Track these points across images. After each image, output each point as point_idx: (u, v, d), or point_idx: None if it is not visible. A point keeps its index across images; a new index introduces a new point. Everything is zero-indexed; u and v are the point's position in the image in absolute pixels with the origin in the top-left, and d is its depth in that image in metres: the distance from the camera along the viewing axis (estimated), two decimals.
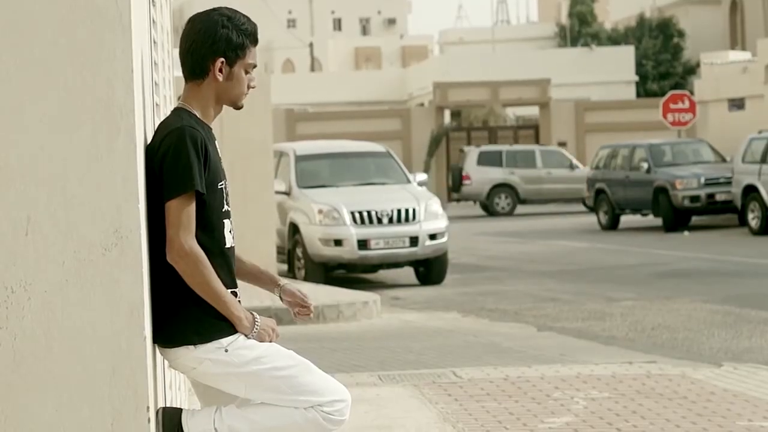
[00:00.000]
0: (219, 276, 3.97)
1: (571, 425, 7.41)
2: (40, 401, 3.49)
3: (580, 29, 63.98)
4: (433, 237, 17.56)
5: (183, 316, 3.93)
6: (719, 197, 26.34)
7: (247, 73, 4.09)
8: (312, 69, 68.75)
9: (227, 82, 4.03)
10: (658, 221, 27.44)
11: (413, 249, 17.50)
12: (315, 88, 57.26)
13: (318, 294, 14.95)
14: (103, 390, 3.51)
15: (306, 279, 17.56)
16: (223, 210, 4.04)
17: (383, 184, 18.81)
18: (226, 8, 4.10)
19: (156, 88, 4.50)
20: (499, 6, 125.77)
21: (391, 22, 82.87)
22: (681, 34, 57.01)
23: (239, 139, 17.48)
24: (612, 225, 28.46)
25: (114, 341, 3.52)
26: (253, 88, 4.13)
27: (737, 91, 37.95)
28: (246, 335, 4.01)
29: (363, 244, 17.38)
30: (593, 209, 29.75)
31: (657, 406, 7.92)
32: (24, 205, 3.47)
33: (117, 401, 3.52)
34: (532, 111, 48.23)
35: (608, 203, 28.68)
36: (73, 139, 3.49)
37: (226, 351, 3.97)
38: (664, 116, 35.31)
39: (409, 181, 18.83)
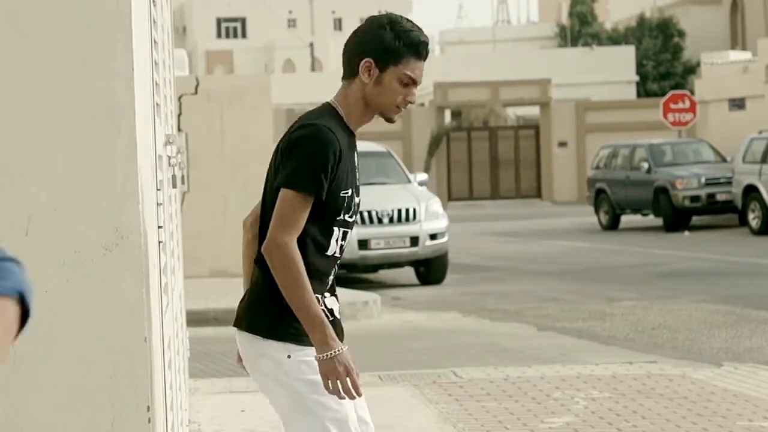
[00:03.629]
0: (314, 281, 3.78)
1: (572, 425, 7.41)
2: (40, 401, 3.49)
3: (580, 29, 63.96)
4: (433, 237, 17.56)
5: (269, 305, 3.80)
6: (720, 197, 26.35)
7: (404, 85, 3.85)
8: (312, 69, 68.74)
9: (375, 87, 3.83)
10: (659, 221, 27.44)
11: (414, 249, 17.50)
12: (315, 88, 57.14)
13: None
14: (103, 390, 3.51)
15: None
16: (339, 218, 3.84)
17: (383, 183, 18.81)
18: (398, 15, 3.95)
19: (156, 88, 4.49)
20: (500, 6, 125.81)
21: None
22: (681, 34, 56.99)
23: (239, 139, 17.49)
24: (612, 225, 28.46)
25: (114, 341, 3.52)
26: (410, 103, 3.89)
27: (738, 91, 37.95)
28: (316, 356, 3.74)
29: (363, 244, 17.39)
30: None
31: (657, 406, 7.92)
32: (24, 205, 3.47)
33: (117, 401, 3.52)
34: (533, 111, 48.22)
35: (608, 203, 28.68)
36: (73, 139, 3.49)
37: (289, 357, 3.82)
38: (665, 116, 35.31)
39: (409, 181, 18.83)
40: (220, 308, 13.90)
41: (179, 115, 15.56)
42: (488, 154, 45.39)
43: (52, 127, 3.48)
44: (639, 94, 53.40)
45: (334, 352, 3.72)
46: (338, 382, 3.70)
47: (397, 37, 3.84)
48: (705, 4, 59.64)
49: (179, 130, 14.78)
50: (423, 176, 19.62)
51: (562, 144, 45.04)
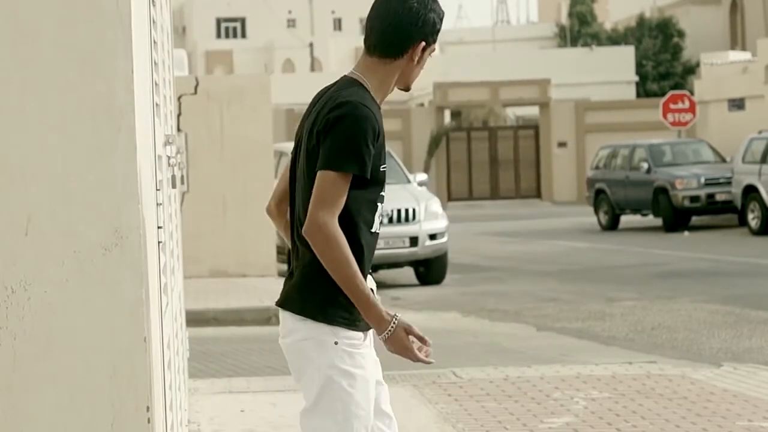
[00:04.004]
0: (366, 257, 3.80)
1: (571, 425, 7.41)
2: (40, 401, 3.49)
3: (580, 29, 63.95)
4: (433, 237, 17.56)
5: (322, 287, 3.76)
6: (719, 197, 26.36)
7: (420, 64, 3.96)
8: (312, 69, 68.72)
9: (415, 65, 3.89)
10: (658, 221, 27.45)
11: (413, 249, 17.51)
12: (315, 88, 56.40)
13: None
14: (103, 390, 3.51)
15: None
16: (381, 194, 3.85)
17: None
18: None
19: (156, 88, 4.49)
20: (499, 6, 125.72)
21: None
22: (681, 34, 56.99)
23: (239, 139, 17.49)
24: (612, 225, 28.46)
25: (114, 341, 3.51)
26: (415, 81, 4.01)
27: (737, 92, 37.96)
28: (379, 334, 3.74)
29: None
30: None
31: (657, 406, 7.93)
32: (24, 205, 3.47)
33: (117, 401, 3.52)
34: (533, 111, 48.22)
35: (608, 203, 28.69)
36: (73, 139, 3.49)
37: (336, 344, 3.78)
38: (664, 116, 35.31)
39: (409, 181, 18.83)
40: (219, 308, 13.90)
41: (179, 115, 15.56)
42: (488, 155, 45.38)
43: (52, 127, 3.48)
44: (638, 95, 53.39)
45: (393, 326, 3.74)
46: (410, 353, 3.74)
47: (439, 18, 3.90)
48: (705, 4, 59.64)
49: (179, 130, 14.79)
50: (422, 176, 19.62)
51: (562, 144, 45.03)
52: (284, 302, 3.91)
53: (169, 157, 4.96)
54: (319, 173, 3.71)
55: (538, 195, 45.32)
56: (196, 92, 17.19)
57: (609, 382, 8.75)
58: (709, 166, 27.62)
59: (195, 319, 12.66)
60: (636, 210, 28.18)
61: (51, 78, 3.47)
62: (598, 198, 29.09)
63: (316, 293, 3.79)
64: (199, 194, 16.81)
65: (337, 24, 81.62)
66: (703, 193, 26.44)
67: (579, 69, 53.15)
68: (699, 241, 23.56)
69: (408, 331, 3.75)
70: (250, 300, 14.47)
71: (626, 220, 29.18)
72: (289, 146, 20.50)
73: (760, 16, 55.64)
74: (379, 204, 3.86)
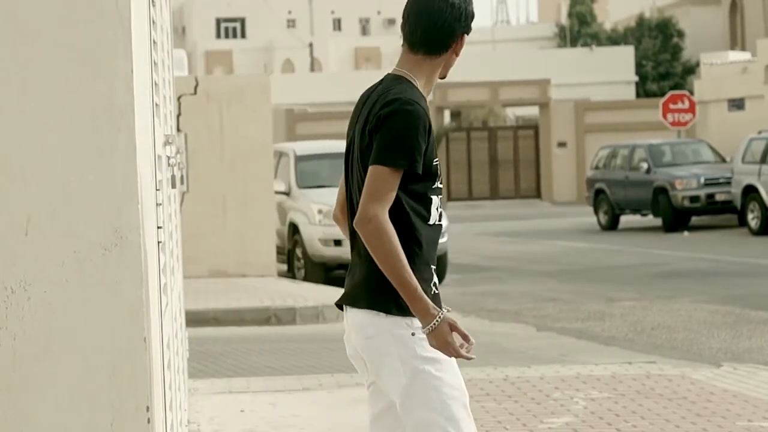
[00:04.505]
0: (425, 250, 3.86)
1: (571, 425, 7.42)
2: (40, 401, 3.49)
3: (579, 29, 63.95)
4: None
5: (389, 281, 3.79)
6: (719, 197, 26.37)
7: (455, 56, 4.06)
8: (312, 69, 68.73)
9: (454, 56, 4.00)
10: (658, 221, 27.45)
11: None
12: (315, 88, 57.25)
13: (318, 294, 14.95)
14: (103, 390, 3.51)
15: (306, 279, 17.57)
16: (434, 186, 3.91)
17: None
18: None
19: (155, 88, 4.49)
20: (499, 6, 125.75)
21: (391, 22, 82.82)
22: (681, 34, 57.00)
23: (239, 139, 17.49)
24: (612, 225, 28.46)
25: (114, 341, 3.52)
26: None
27: (737, 92, 37.95)
28: (423, 327, 3.75)
29: None
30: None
31: (657, 406, 7.93)
32: (24, 205, 3.47)
33: (117, 401, 3.52)
34: (532, 111, 48.22)
35: (608, 203, 28.69)
36: (73, 139, 3.49)
37: (413, 335, 3.80)
38: (664, 116, 35.31)
39: None
40: (219, 308, 13.90)
41: (178, 115, 15.56)
42: (487, 155, 45.39)
43: (52, 127, 3.48)
44: (638, 95, 53.40)
45: (437, 320, 3.73)
46: (452, 348, 3.74)
47: (472, 5, 3.99)
48: (704, 4, 59.65)
49: (178, 130, 14.79)
50: None
51: (562, 144, 45.02)
52: (354, 300, 3.94)
53: (168, 157, 4.96)
54: (370, 168, 3.79)
55: (537, 195, 45.32)
56: (195, 92, 17.19)
57: (609, 382, 8.75)
58: (709, 166, 27.63)
59: (195, 319, 12.66)
60: (636, 210, 28.19)
61: (51, 78, 3.47)
62: (597, 198, 29.09)
63: (385, 287, 3.82)
64: (199, 194, 16.80)
65: (337, 24, 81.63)
66: (702, 193, 26.44)
67: (579, 69, 53.17)
68: (699, 241, 23.56)
69: (452, 327, 3.75)
70: (250, 300, 14.47)
71: (626, 220, 29.19)
72: (290, 146, 20.52)
73: (759, 16, 55.65)
74: (434, 197, 3.91)
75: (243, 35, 79.15)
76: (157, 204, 4.07)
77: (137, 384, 3.53)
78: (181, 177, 9.15)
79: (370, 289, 3.88)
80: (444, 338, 3.74)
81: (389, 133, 3.78)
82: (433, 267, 3.94)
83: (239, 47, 74.86)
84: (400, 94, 3.83)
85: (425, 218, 3.88)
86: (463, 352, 3.76)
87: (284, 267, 18.84)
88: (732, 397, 8.24)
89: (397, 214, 3.80)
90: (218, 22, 79.40)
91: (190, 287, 14.46)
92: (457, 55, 3.98)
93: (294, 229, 18.22)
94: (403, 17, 4.02)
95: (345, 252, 17.49)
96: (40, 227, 3.47)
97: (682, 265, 18.82)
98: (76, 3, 3.47)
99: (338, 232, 17.59)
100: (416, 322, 3.81)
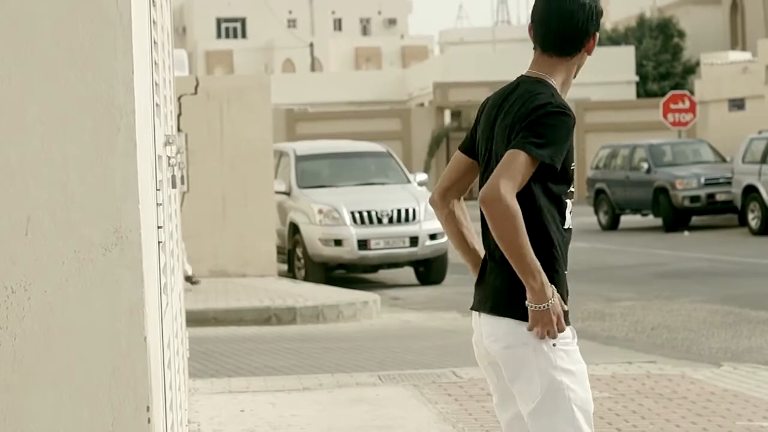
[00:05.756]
0: (559, 251, 3.87)
1: None
2: (40, 401, 3.49)
3: None
4: (433, 237, 17.56)
5: None
6: (719, 197, 26.36)
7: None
8: (312, 69, 68.75)
9: (587, 55, 4.07)
10: (658, 221, 27.45)
11: (413, 249, 17.51)
12: (315, 88, 57.26)
13: (318, 294, 14.95)
14: (103, 390, 3.51)
15: (306, 279, 17.57)
16: (570, 190, 3.92)
17: (383, 184, 18.82)
18: None
19: (156, 88, 4.49)
20: (500, 6, 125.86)
21: (392, 22, 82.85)
22: (681, 34, 56.98)
23: (239, 139, 17.49)
24: (612, 225, 28.46)
25: (114, 341, 3.52)
26: None
27: (737, 92, 37.96)
28: (529, 306, 3.77)
29: (363, 244, 17.39)
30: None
31: (657, 406, 7.93)
32: (24, 205, 3.47)
33: (117, 401, 3.52)
34: None
35: (608, 203, 28.68)
36: (73, 139, 3.49)
37: (554, 345, 3.82)
38: (665, 116, 35.30)
39: (409, 181, 18.84)
40: (219, 308, 13.90)
41: (179, 115, 15.56)
42: None
43: (52, 128, 3.48)
44: (639, 95, 53.38)
45: (549, 303, 3.75)
46: (547, 331, 3.76)
47: (599, 4, 4.06)
48: (705, 4, 59.64)
49: (179, 130, 14.79)
50: (423, 176, 19.62)
51: None
52: (493, 307, 3.91)
53: (169, 157, 4.96)
54: (508, 152, 3.78)
55: None
56: (196, 92, 17.19)
57: (609, 382, 8.75)
58: (709, 166, 27.62)
59: (195, 319, 12.67)
60: (636, 210, 28.18)
61: (51, 78, 3.47)
62: (598, 198, 29.08)
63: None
64: (199, 194, 16.81)
65: (337, 24, 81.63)
66: (703, 193, 26.44)
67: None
68: (699, 241, 23.56)
69: (558, 316, 3.78)
70: (250, 300, 14.48)
71: (626, 220, 29.18)
72: (290, 146, 20.51)
73: (760, 16, 55.65)
74: (567, 201, 3.92)
75: (243, 35, 79.16)
76: (157, 204, 4.07)
77: (137, 384, 3.53)
78: (182, 177, 9.16)
79: (512, 298, 3.85)
80: (546, 322, 3.76)
81: (541, 128, 3.79)
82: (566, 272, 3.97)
83: (239, 47, 74.88)
84: (551, 98, 3.87)
85: (558, 220, 3.89)
86: (550, 336, 3.77)
87: (284, 267, 18.84)
88: (732, 396, 8.24)
89: (530, 213, 3.81)
90: (219, 22, 79.41)
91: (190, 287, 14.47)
92: (589, 53, 4.04)
93: (294, 229, 18.22)
94: (533, 20, 4.05)
95: (345, 252, 17.51)
96: (40, 227, 3.47)
97: (682, 265, 18.82)
98: (76, 3, 3.47)
99: (338, 232, 17.67)
100: (571, 344, 3.87)
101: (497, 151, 3.91)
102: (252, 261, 17.42)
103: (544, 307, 3.75)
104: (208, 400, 8.55)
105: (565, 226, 3.91)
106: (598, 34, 4.05)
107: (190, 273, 15.17)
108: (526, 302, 3.77)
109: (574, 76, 4.07)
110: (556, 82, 3.97)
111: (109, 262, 3.50)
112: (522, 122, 3.83)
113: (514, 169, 3.75)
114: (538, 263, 3.74)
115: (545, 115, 3.81)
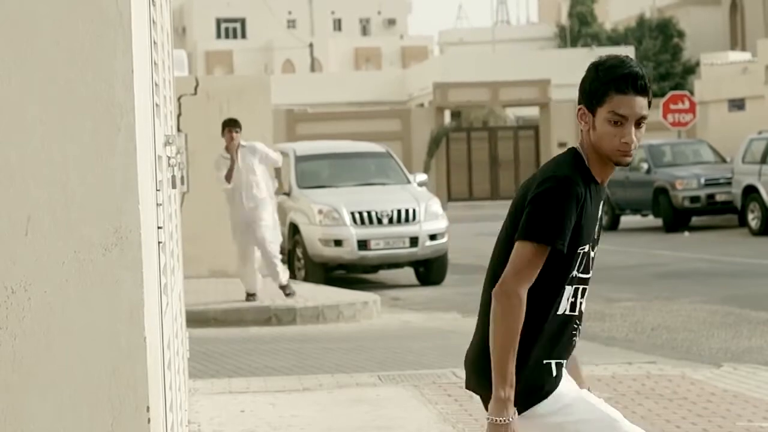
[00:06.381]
0: (544, 338, 3.67)
1: None
2: (40, 401, 3.49)
3: (580, 30, 63.95)
4: (433, 237, 17.56)
5: (523, 377, 3.66)
6: (719, 198, 26.37)
7: (614, 124, 3.68)
8: (312, 69, 68.76)
9: (594, 133, 3.70)
10: (658, 222, 27.45)
11: (413, 249, 17.50)
12: (315, 89, 57.27)
13: (318, 294, 14.95)
14: (103, 390, 3.51)
15: (306, 279, 17.56)
16: (571, 275, 3.71)
17: (383, 184, 18.82)
18: (612, 55, 3.86)
19: (155, 88, 4.49)
20: (499, 6, 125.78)
21: (391, 22, 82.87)
22: (681, 34, 57.01)
23: (240, 139, 17.46)
24: (612, 225, 28.47)
25: (114, 341, 3.52)
26: (629, 144, 3.68)
27: (737, 92, 37.96)
28: (488, 418, 3.61)
29: (363, 244, 17.39)
30: None
31: (657, 406, 7.93)
32: (24, 205, 3.47)
33: (117, 401, 3.52)
34: (532, 111, 48.23)
35: (608, 204, 28.69)
36: (73, 139, 3.49)
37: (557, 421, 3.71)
38: (664, 117, 35.30)
39: (409, 182, 18.84)
40: (219, 308, 13.90)
41: (179, 115, 15.56)
42: (488, 155, 45.38)
43: (52, 128, 3.48)
44: None
45: (508, 420, 3.59)
46: None
47: (598, 77, 3.74)
48: (704, 4, 59.66)
49: (179, 130, 14.78)
50: (422, 177, 19.62)
51: (562, 144, 44.97)
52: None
53: (169, 158, 4.96)
54: (517, 243, 3.66)
55: None
56: (196, 92, 17.19)
57: (609, 383, 8.75)
58: (709, 167, 27.63)
59: (195, 319, 12.66)
60: (636, 210, 28.19)
61: (51, 78, 3.47)
62: None
63: (532, 386, 3.69)
64: (199, 194, 16.80)
65: (337, 24, 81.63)
66: (703, 193, 26.44)
67: (579, 69, 52.70)
68: (699, 242, 23.56)
69: None
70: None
71: (626, 220, 29.19)
72: (290, 146, 20.52)
73: (760, 16, 55.65)
74: (569, 286, 3.72)
75: (243, 35, 79.16)
76: (157, 204, 4.07)
77: (137, 384, 3.53)
78: (182, 177, 9.15)
79: (521, 393, 3.66)
80: None
81: (537, 210, 3.64)
82: (555, 362, 3.72)
83: (239, 47, 74.89)
84: (555, 172, 3.69)
85: (551, 307, 3.70)
86: None
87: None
88: (732, 397, 8.24)
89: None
90: (218, 22, 79.42)
91: (191, 287, 14.46)
92: (592, 129, 3.75)
93: (294, 229, 18.22)
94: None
95: (345, 252, 17.50)
96: (40, 227, 3.47)
97: (682, 266, 18.82)
98: (76, 3, 3.47)
99: (338, 232, 17.68)
100: (553, 397, 3.69)
101: (506, 228, 3.87)
102: None
103: (501, 421, 3.59)
104: (209, 401, 8.55)
105: (558, 312, 3.71)
106: (589, 109, 3.73)
107: (285, 282, 14.34)
108: (487, 415, 3.64)
109: (618, 163, 3.75)
110: (586, 153, 3.77)
111: (109, 262, 3.50)
112: (527, 203, 3.71)
113: (522, 261, 3.64)
114: (512, 375, 3.60)
115: (538, 195, 3.65)
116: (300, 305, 13.83)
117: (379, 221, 17.51)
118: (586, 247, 3.73)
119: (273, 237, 14.14)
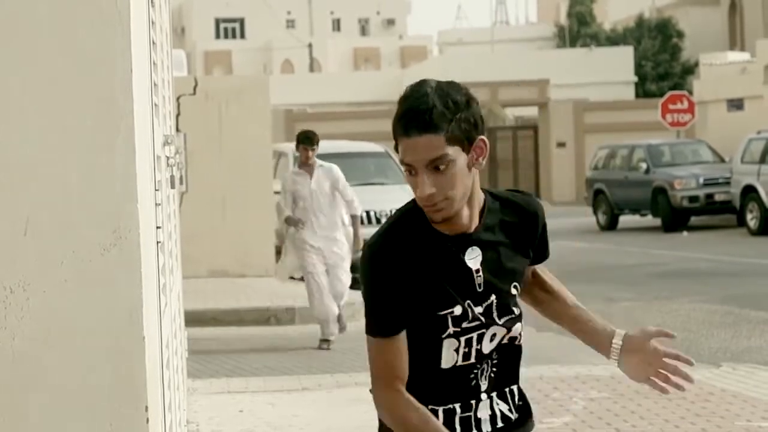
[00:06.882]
0: (433, 393, 3.13)
1: (570, 425, 7.42)
2: (40, 401, 3.49)
3: (579, 30, 63.94)
4: None
5: None
6: (718, 197, 26.38)
7: (410, 173, 2.97)
8: (311, 69, 68.75)
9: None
10: (657, 221, 27.45)
11: None
12: (314, 89, 57.25)
13: None
14: (101, 390, 3.51)
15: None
16: (446, 334, 3.08)
17: (382, 184, 18.82)
18: (412, 84, 3.07)
19: (154, 88, 4.49)
20: (498, 6, 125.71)
21: (390, 22, 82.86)
22: (680, 34, 57.01)
23: (238, 140, 17.48)
24: (611, 225, 28.47)
25: (112, 341, 3.52)
26: (422, 197, 2.97)
27: (736, 92, 37.95)
28: None
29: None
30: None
31: (656, 406, 7.93)
32: (24, 205, 3.47)
33: (117, 401, 3.52)
34: (531, 111, 48.23)
35: (607, 203, 28.69)
36: (72, 140, 3.49)
37: None
38: (663, 117, 35.31)
39: None
40: (218, 308, 13.90)
41: (178, 115, 15.56)
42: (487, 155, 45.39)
43: (50, 128, 3.48)
44: (637, 95, 53.41)
45: None
46: None
47: (396, 113, 3.01)
48: (704, 4, 59.66)
49: (178, 130, 14.79)
50: None
51: (561, 144, 45.02)
52: None
53: (167, 158, 4.97)
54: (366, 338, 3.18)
55: (537, 195, 45.27)
56: (194, 93, 17.19)
57: (608, 383, 8.75)
58: (708, 167, 27.64)
59: (194, 319, 12.66)
60: (635, 210, 28.19)
61: (51, 78, 3.47)
62: (597, 198, 29.09)
63: None
64: (198, 194, 16.80)
65: (336, 24, 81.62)
66: (701, 193, 26.45)
67: (578, 69, 53.16)
68: (698, 242, 23.56)
69: None
70: (250, 300, 14.47)
71: (625, 220, 29.19)
72: (289, 146, 20.51)
73: (759, 16, 55.65)
74: (446, 341, 3.09)
75: (242, 35, 79.16)
76: (156, 204, 4.08)
77: (136, 384, 3.53)
78: (180, 177, 9.15)
79: None
80: None
81: (365, 301, 3.14)
82: (443, 408, 3.15)
83: (238, 47, 74.88)
84: (378, 235, 3.12)
85: (433, 365, 3.12)
86: None
87: None
88: (731, 396, 8.24)
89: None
90: (217, 22, 79.41)
91: (190, 287, 14.44)
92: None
93: None
94: None
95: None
96: (39, 227, 3.47)
97: (681, 265, 18.82)
98: (76, 3, 3.47)
99: None
100: None
101: None
102: (251, 261, 17.42)
103: None
104: (207, 401, 8.54)
105: (446, 366, 3.11)
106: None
107: (333, 338, 11.93)
108: None
109: (430, 217, 3.05)
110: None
111: (107, 262, 3.50)
112: None
113: (373, 361, 3.12)
114: None
115: (361, 275, 3.12)
116: (300, 305, 13.82)
117: (378, 221, 17.51)
118: (456, 309, 3.08)
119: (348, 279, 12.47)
